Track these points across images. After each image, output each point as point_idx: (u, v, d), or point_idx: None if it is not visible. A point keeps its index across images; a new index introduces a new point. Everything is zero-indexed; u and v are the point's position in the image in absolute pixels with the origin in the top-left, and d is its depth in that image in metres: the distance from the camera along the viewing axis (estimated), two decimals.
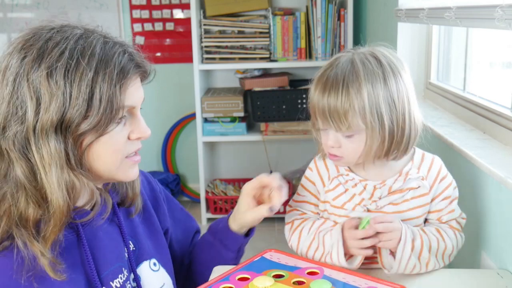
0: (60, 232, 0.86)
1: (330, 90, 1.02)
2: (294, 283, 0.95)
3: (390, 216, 1.07)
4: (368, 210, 1.10)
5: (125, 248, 0.99)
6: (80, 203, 0.92)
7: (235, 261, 1.14)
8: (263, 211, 1.06)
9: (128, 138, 0.92)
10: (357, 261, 1.06)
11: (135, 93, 0.90)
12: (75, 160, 0.85)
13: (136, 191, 1.03)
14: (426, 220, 1.16)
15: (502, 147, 1.32)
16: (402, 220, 1.09)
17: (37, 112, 0.82)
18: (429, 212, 1.13)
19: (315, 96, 1.05)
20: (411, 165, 1.11)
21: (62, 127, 0.83)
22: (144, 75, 0.95)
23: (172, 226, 1.16)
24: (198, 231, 1.25)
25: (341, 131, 1.03)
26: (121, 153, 0.91)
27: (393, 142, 1.05)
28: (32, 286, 0.84)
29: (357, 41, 2.89)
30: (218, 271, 1.06)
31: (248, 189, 1.09)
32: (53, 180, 0.84)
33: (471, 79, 1.72)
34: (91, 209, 0.94)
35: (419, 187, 1.10)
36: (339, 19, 2.83)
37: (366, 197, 1.10)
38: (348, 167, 1.13)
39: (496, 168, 1.15)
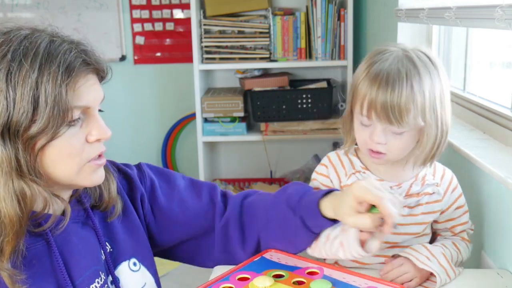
0: (16, 242, 0.82)
1: (393, 85, 0.99)
2: (294, 283, 0.95)
3: (397, 261, 1.06)
4: None
5: (102, 251, 0.96)
6: (37, 209, 0.87)
7: (308, 240, 1.03)
8: (367, 224, 0.91)
9: (87, 141, 0.88)
10: (374, 245, 0.95)
11: (87, 92, 0.86)
12: (28, 166, 0.82)
13: (112, 195, 0.98)
14: (435, 234, 1.16)
15: (502, 147, 1.32)
16: (413, 224, 1.09)
17: None
18: (442, 222, 1.14)
19: (373, 91, 1.00)
20: (426, 170, 1.11)
21: (10, 132, 0.80)
22: (100, 74, 0.91)
23: (173, 196, 1.09)
24: (214, 188, 1.13)
25: (401, 127, 1.01)
26: (79, 157, 0.87)
27: (441, 141, 1.04)
28: None
29: (357, 41, 2.89)
30: (218, 271, 1.06)
31: (359, 194, 0.92)
32: (1, 189, 0.80)
33: (471, 79, 1.72)
34: (62, 214, 0.91)
35: (433, 193, 1.10)
36: (339, 19, 2.83)
37: None
38: (365, 165, 1.12)
39: (496, 168, 1.15)
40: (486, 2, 1.24)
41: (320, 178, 1.15)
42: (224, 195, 1.14)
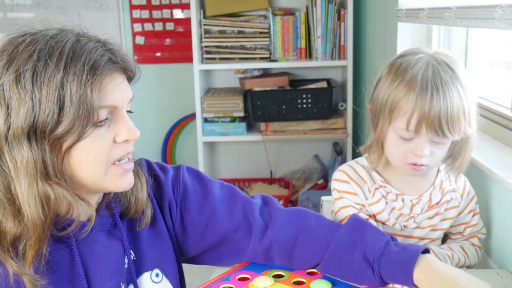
0: (39, 246, 0.80)
1: (444, 92, 0.94)
2: (294, 283, 0.95)
3: None
4: (405, 226, 1.08)
5: (126, 259, 0.93)
6: (61, 213, 0.85)
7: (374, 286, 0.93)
8: None
9: (115, 142, 0.86)
10: None
11: (113, 92, 0.84)
12: (54, 168, 0.81)
13: (140, 202, 0.95)
14: (446, 236, 1.16)
15: (502, 147, 1.32)
16: (432, 231, 1.08)
17: (7, 119, 0.78)
18: (455, 225, 1.13)
19: (425, 104, 0.94)
20: (440, 175, 1.09)
21: (37, 134, 0.79)
22: (128, 74, 0.89)
23: (205, 205, 1.02)
24: (250, 204, 1.03)
25: (452, 137, 0.96)
26: (106, 158, 0.85)
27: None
28: None
29: (357, 41, 2.89)
30: (218, 271, 1.06)
31: None
32: (25, 191, 0.79)
33: (471, 79, 1.72)
34: (88, 220, 0.89)
35: (452, 199, 1.09)
36: (339, 19, 2.83)
37: (405, 212, 1.07)
38: (385, 179, 1.08)
39: (496, 168, 1.15)
40: (486, 2, 1.24)
41: (348, 197, 1.08)
42: (267, 207, 1.04)
